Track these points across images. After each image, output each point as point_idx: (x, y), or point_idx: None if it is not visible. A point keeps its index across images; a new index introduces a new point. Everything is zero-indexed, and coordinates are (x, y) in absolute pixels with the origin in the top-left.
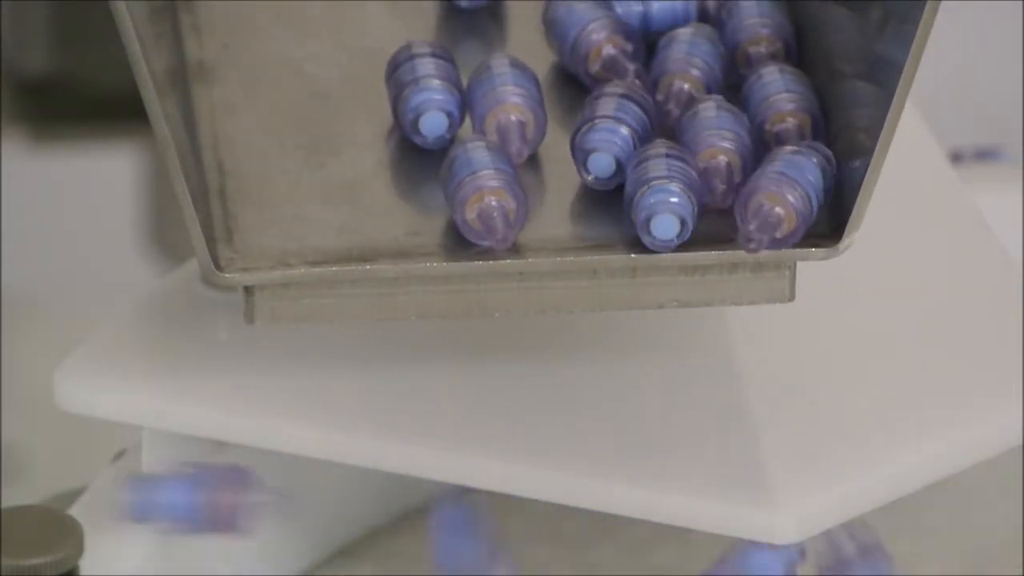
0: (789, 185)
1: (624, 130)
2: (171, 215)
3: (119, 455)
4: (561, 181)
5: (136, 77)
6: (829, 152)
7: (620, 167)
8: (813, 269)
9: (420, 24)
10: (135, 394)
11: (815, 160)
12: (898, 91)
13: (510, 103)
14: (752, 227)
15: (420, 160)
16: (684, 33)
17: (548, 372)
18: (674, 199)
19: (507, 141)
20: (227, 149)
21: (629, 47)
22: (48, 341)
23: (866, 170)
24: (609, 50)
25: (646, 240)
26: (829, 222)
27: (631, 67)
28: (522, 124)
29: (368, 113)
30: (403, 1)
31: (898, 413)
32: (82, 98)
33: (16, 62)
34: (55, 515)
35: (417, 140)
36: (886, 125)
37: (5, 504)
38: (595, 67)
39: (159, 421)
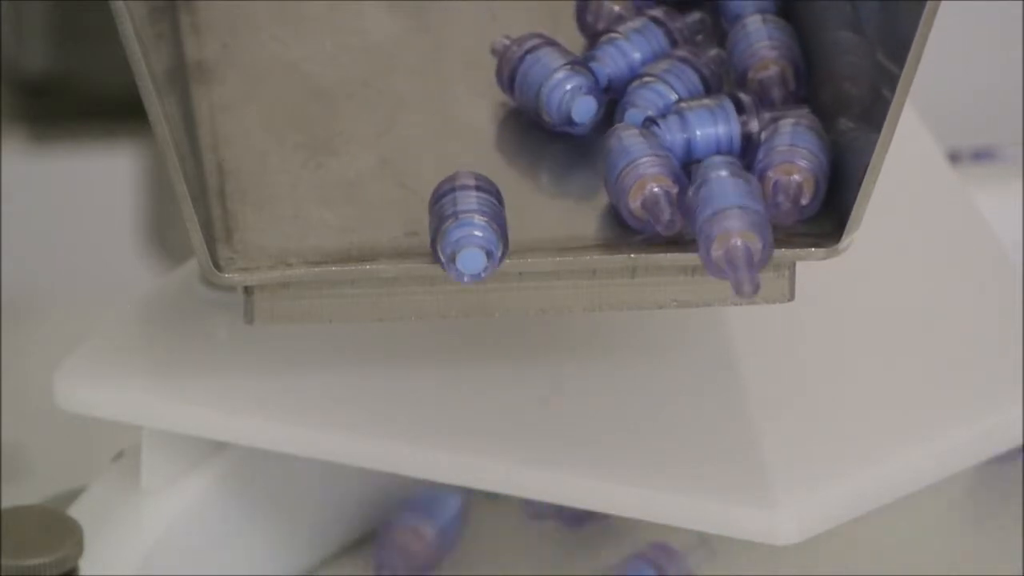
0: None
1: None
2: (171, 215)
3: (119, 456)
4: (562, 181)
5: (136, 77)
6: (816, 120)
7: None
8: (813, 269)
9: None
10: (135, 394)
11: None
12: (898, 91)
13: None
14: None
15: (420, 160)
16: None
17: (548, 372)
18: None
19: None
20: (226, 149)
21: (675, 189)
22: (48, 341)
23: (866, 170)
24: (653, 188)
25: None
26: (829, 222)
27: (668, 211)
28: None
29: (367, 113)
30: (403, 1)
31: (898, 413)
32: (82, 98)
33: (16, 62)
34: (55, 515)
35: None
36: (886, 125)
37: (5, 504)
38: (635, 203)
39: (159, 421)
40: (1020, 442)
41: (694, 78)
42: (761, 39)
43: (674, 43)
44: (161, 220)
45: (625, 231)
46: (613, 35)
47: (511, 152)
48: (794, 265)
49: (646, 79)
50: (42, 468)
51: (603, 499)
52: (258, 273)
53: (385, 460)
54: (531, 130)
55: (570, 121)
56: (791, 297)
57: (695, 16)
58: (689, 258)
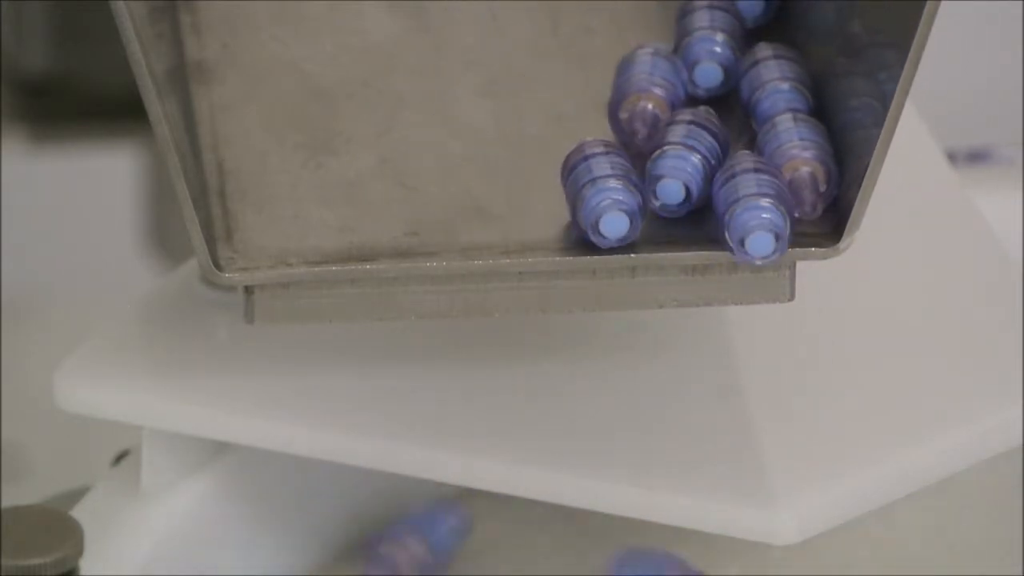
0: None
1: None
2: (171, 215)
3: (120, 456)
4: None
5: (136, 77)
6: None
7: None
8: (813, 269)
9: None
10: (135, 394)
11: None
12: (898, 91)
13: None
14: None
15: (420, 160)
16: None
17: (548, 372)
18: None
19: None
20: (227, 149)
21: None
22: (48, 341)
23: (866, 170)
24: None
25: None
26: (829, 222)
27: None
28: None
29: (368, 113)
30: (403, 1)
31: (898, 413)
32: (82, 98)
33: (16, 62)
34: (55, 515)
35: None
36: (886, 125)
37: (5, 504)
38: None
39: (159, 421)
40: (1020, 442)
41: (709, 138)
42: (792, 139)
43: (724, 148)
44: (161, 220)
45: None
46: (669, 147)
47: (511, 152)
48: (794, 265)
49: (667, 148)
50: (42, 468)
51: (603, 499)
52: (258, 273)
53: (386, 460)
54: (531, 130)
55: (597, 231)
56: (791, 297)
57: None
58: (690, 257)
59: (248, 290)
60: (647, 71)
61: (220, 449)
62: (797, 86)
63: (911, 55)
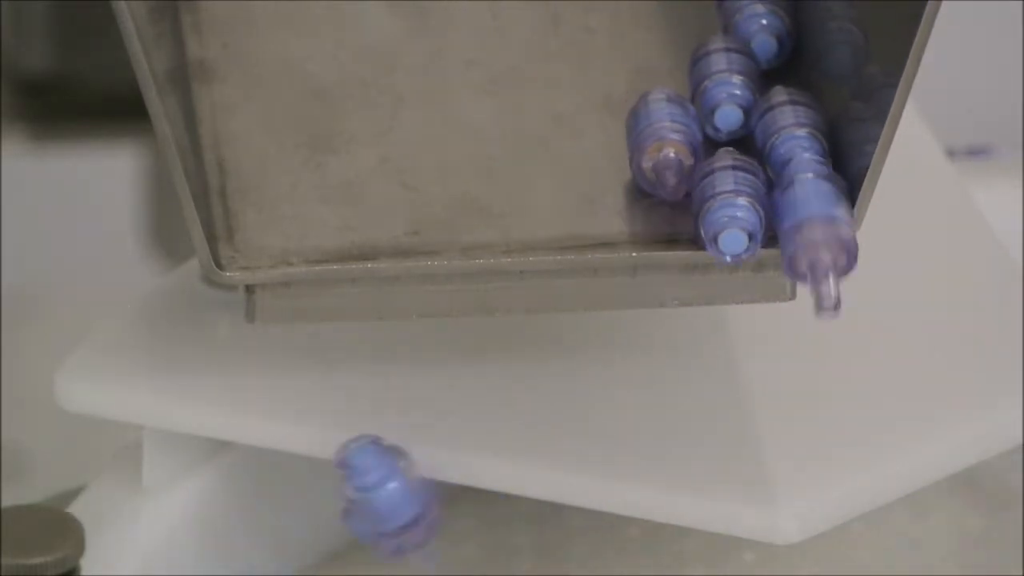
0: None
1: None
2: (171, 214)
3: (121, 455)
4: (562, 180)
5: (137, 76)
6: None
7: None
8: None
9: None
10: (135, 394)
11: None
12: (898, 91)
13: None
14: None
15: (420, 159)
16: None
17: (548, 371)
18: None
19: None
20: (228, 148)
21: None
22: (48, 341)
23: (866, 171)
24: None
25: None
26: None
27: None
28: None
29: (368, 112)
30: (403, 1)
31: (898, 413)
32: (82, 97)
33: (16, 62)
34: (56, 514)
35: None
36: (886, 125)
37: (5, 504)
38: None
39: (159, 421)
40: (1020, 442)
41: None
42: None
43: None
44: (161, 220)
45: (625, 230)
46: (722, 196)
47: (512, 151)
48: None
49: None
50: (42, 467)
51: (603, 498)
52: (259, 272)
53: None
54: (532, 129)
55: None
56: (792, 295)
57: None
58: (690, 256)
59: (249, 289)
60: (663, 118)
61: (220, 448)
62: (813, 132)
63: (911, 55)
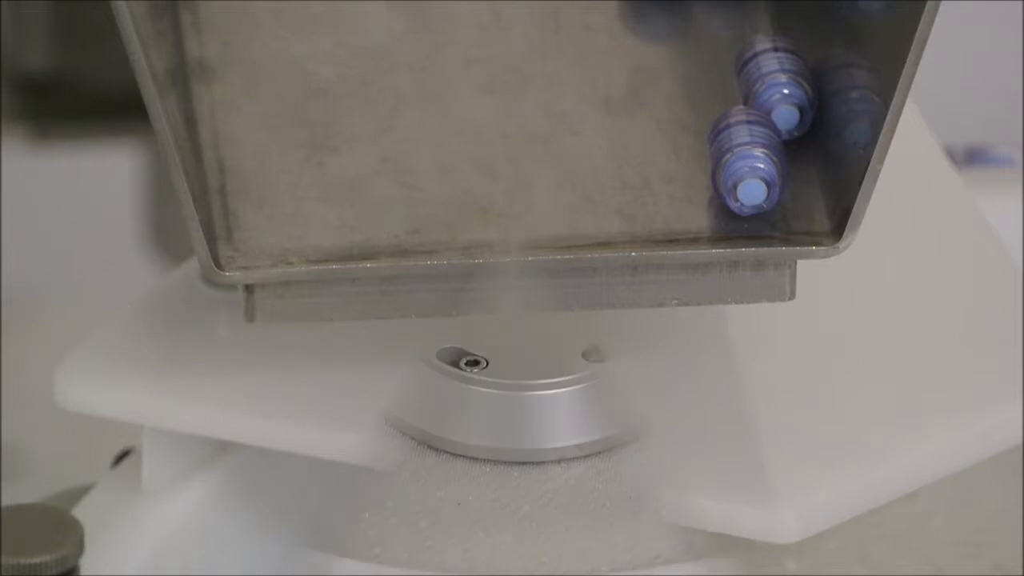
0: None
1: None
2: (171, 214)
3: (121, 456)
4: (562, 179)
5: (136, 75)
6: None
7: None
8: (813, 269)
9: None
10: (135, 394)
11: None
12: (898, 91)
13: None
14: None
15: (420, 158)
16: None
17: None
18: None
19: None
20: (227, 147)
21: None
22: (48, 341)
23: (866, 171)
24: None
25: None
26: (829, 221)
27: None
28: None
29: (368, 111)
30: (404, 0)
31: (898, 412)
32: (82, 96)
33: (16, 61)
34: (56, 514)
35: None
36: (886, 125)
37: (5, 503)
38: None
39: (159, 420)
40: (1020, 442)
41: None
42: None
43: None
44: (161, 219)
45: (625, 229)
46: (740, 147)
47: (512, 150)
48: (795, 263)
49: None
50: (42, 467)
51: None
52: (259, 271)
53: (387, 459)
54: (532, 128)
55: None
56: (792, 295)
57: None
58: (690, 256)
59: (248, 289)
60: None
61: (221, 449)
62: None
63: (911, 55)
